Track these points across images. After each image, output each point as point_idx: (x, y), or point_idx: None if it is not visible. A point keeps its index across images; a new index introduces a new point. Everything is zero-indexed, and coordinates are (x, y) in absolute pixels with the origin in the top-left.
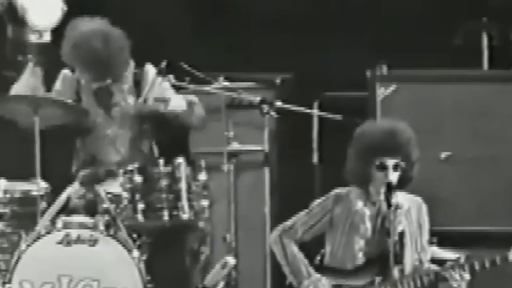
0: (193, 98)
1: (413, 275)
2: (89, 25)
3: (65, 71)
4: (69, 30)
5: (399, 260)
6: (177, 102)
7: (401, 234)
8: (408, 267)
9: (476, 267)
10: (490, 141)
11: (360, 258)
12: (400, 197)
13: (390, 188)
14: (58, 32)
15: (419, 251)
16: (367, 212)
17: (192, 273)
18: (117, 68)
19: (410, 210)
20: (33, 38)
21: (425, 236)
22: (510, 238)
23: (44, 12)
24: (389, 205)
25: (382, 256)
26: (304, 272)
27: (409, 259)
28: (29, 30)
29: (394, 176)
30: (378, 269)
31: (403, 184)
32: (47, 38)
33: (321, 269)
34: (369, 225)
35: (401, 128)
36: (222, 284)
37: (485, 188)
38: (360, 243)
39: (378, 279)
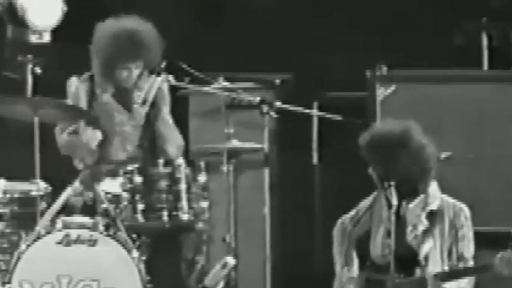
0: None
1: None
2: (124, 21)
3: (73, 78)
4: (105, 30)
5: (417, 260)
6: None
7: (425, 235)
8: (433, 269)
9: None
10: (490, 141)
11: (388, 254)
12: (431, 197)
13: (390, 187)
14: (58, 32)
15: (457, 259)
16: (386, 210)
17: (188, 282)
18: (158, 60)
19: (444, 212)
20: (33, 38)
21: (466, 244)
22: (510, 238)
23: (44, 13)
24: (389, 205)
25: (406, 255)
26: (341, 262)
27: (435, 261)
28: (28, 31)
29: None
30: (402, 267)
31: (411, 191)
32: (46, 38)
33: (367, 263)
34: (388, 223)
35: (402, 128)
36: (221, 284)
37: (486, 188)
38: (386, 240)
39: (400, 276)
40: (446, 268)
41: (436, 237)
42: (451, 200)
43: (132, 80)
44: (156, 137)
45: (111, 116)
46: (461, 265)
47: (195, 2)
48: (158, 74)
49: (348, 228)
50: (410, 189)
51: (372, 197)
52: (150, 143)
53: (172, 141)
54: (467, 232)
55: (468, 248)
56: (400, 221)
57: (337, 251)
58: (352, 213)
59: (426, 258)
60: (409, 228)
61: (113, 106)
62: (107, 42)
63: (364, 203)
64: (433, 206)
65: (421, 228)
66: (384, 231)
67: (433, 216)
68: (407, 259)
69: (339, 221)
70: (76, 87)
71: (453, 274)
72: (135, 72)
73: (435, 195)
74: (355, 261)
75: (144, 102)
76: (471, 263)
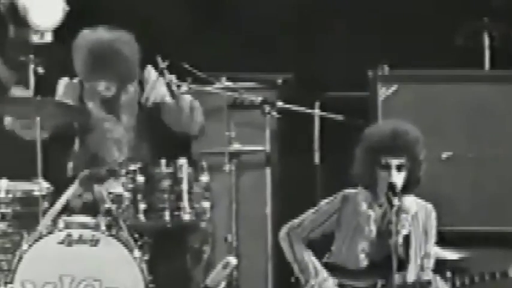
0: (196, 103)
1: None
2: (98, 35)
3: (65, 78)
4: (79, 44)
5: (403, 265)
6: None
7: (406, 239)
8: (412, 274)
9: (476, 280)
10: (491, 141)
11: (363, 260)
12: (409, 201)
13: (393, 189)
14: (60, 32)
15: (422, 257)
16: (372, 213)
17: (194, 274)
18: (134, 72)
19: (418, 215)
20: (34, 38)
21: (431, 242)
22: (511, 238)
23: (46, 13)
24: (391, 206)
25: (387, 259)
26: (311, 271)
27: (413, 265)
28: (30, 31)
29: (398, 177)
30: (382, 272)
31: (410, 186)
32: (48, 38)
33: (326, 267)
34: (373, 227)
35: (406, 128)
36: (223, 284)
37: (486, 188)
38: (363, 244)
39: (380, 282)
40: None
41: (413, 240)
42: (421, 202)
43: (110, 92)
44: (171, 125)
45: (100, 124)
46: (425, 262)
47: (197, 2)
48: (160, 74)
49: (304, 233)
50: (414, 184)
51: (339, 199)
52: (150, 142)
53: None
54: (434, 232)
55: (432, 246)
56: (383, 225)
57: (301, 261)
58: (309, 216)
59: (408, 260)
60: (393, 233)
61: (100, 115)
62: (77, 57)
63: (330, 206)
64: (413, 210)
65: (404, 232)
66: (364, 234)
67: (411, 220)
68: (388, 263)
69: (287, 226)
70: (65, 89)
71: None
72: (109, 86)
73: (409, 199)
74: (319, 265)
75: (146, 101)
76: (432, 260)
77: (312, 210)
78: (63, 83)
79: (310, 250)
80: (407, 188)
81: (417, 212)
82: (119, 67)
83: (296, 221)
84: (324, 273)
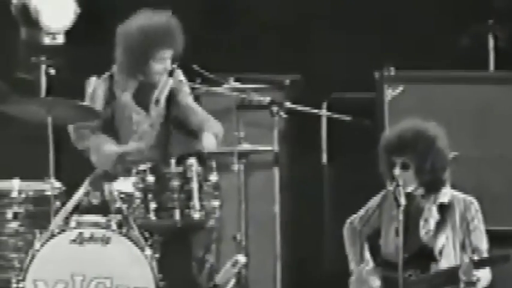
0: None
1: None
2: (150, 14)
3: (92, 78)
4: (134, 22)
5: (432, 255)
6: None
7: (438, 229)
8: (448, 262)
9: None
10: (497, 141)
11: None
12: (442, 193)
13: (398, 187)
14: (71, 33)
15: (472, 251)
16: (401, 208)
17: (202, 273)
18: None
19: (454, 206)
20: (46, 40)
21: (478, 236)
22: None
23: (58, 14)
24: (397, 203)
25: (420, 251)
26: (356, 260)
27: (448, 254)
28: (42, 32)
29: (403, 175)
30: (416, 263)
31: (432, 187)
32: (60, 40)
33: (379, 260)
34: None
35: (416, 126)
36: (232, 282)
37: (492, 188)
38: (397, 237)
39: (413, 273)
40: (459, 261)
41: (448, 231)
42: (460, 195)
43: (165, 72)
44: (191, 131)
45: (129, 115)
46: (476, 257)
47: (205, 4)
48: (170, 75)
49: (357, 228)
50: (434, 183)
51: (381, 195)
52: (166, 142)
53: (210, 129)
54: (479, 224)
55: (482, 240)
56: (413, 218)
57: (351, 251)
58: (361, 212)
59: (441, 252)
60: (421, 223)
61: (131, 106)
62: (143, 33)
63: (373, 202)
64: (443, 199)
65: (432, 222)
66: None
67: (444, 211)
68: (422, 255)
69: (348, 221)
70: (94, 87)
71: (488, 260)
72: (168, 63)
73: (445, 190)
74: (370, 258)
75: (156, 102)
76: (485, 255)
77: (364, 207)
78: (91, 82)
79: (362, 243)
80: (429, 188)
81: (453, 203)
82: (177, 39)
83: (353, 216)
84: (369, 259)
